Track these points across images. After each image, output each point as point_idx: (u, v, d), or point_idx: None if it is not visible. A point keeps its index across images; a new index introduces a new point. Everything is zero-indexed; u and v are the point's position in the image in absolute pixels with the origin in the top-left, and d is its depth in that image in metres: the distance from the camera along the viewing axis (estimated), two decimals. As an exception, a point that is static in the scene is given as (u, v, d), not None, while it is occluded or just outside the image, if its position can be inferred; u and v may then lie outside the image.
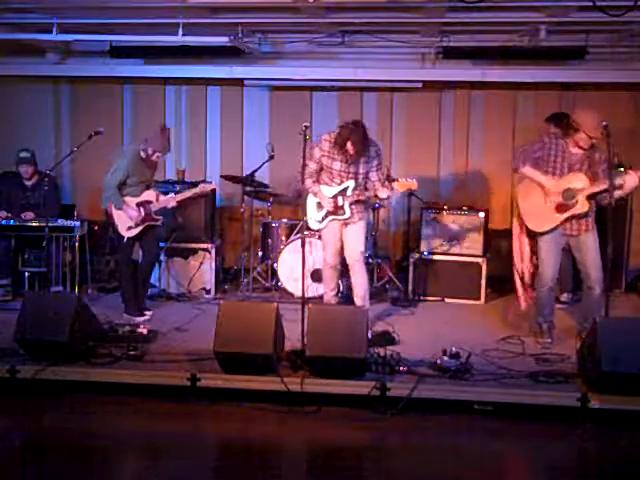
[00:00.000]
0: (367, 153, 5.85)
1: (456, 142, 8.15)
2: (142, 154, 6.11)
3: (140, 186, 6.20)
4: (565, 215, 5.37)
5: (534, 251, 5.68)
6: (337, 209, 5.95)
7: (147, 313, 6.32)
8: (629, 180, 5.25)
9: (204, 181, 7.16)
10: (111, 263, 7.59)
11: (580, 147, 5.35)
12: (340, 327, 4.77)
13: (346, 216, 5.96)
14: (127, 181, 6.11)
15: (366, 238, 6.22)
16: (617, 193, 5.18)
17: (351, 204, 5.95)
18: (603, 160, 5.33)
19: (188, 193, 6.41)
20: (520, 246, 5.77)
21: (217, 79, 8.15)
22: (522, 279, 5.81)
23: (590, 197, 5.33)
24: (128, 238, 6.19)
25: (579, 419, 4.46)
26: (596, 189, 5.28)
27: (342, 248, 6.08)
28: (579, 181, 5.33)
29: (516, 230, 5.78)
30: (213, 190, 7.01)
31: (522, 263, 5.77)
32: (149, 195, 6.22)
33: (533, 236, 5.63)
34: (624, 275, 7.52)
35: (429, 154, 8.15)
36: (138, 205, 6.15)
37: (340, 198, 5.93)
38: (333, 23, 6.96)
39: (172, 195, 6.37)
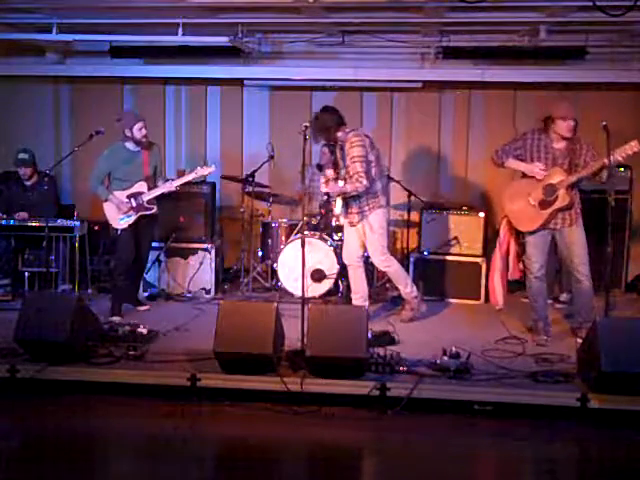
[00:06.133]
0: (344, 145, 5.84)
1: (456, 142, 8.16)
2: (128, 145, 6.20)
3: (133, 179, 6.24)
4: (549, 210, 5.44)
5: (521, 252, 5.72)
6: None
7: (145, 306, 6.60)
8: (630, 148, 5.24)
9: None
10: (111, 263, 7.50)
11: (563, 138, 5.41)
12: (340, 327, 4.76)
13: (336, 213, 6.16)
14: (115, 176, 6.22)
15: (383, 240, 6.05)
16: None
17: (344, 202, 5.99)
18: (586, 150, 5.42)
19: (186, 177, 6.46)
20: (507, 246, 5.73)
21: (217, 79, 8.16)
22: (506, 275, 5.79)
23: (571, 187, 5.41)
24: (124, 233, 6.20)
25: (579, 419, 4.46)
26: (574, 178, 5.37)
27: (347, 248, 6.18)
28: (557, 175, 5.42)
29: (504, 230, 5.75)
30: (213, 185, 6.94)
31: (510, 260, 5.75)
32: (140, 186, 6.27)
33: (520, 236, 5.70)
34: (624, 275, 7.53)
35: (429, 154, 8.16)
36: (129, 197, 6.23)
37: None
38: (333, 23, 6.97)
39: (170, 181, 6.42)
